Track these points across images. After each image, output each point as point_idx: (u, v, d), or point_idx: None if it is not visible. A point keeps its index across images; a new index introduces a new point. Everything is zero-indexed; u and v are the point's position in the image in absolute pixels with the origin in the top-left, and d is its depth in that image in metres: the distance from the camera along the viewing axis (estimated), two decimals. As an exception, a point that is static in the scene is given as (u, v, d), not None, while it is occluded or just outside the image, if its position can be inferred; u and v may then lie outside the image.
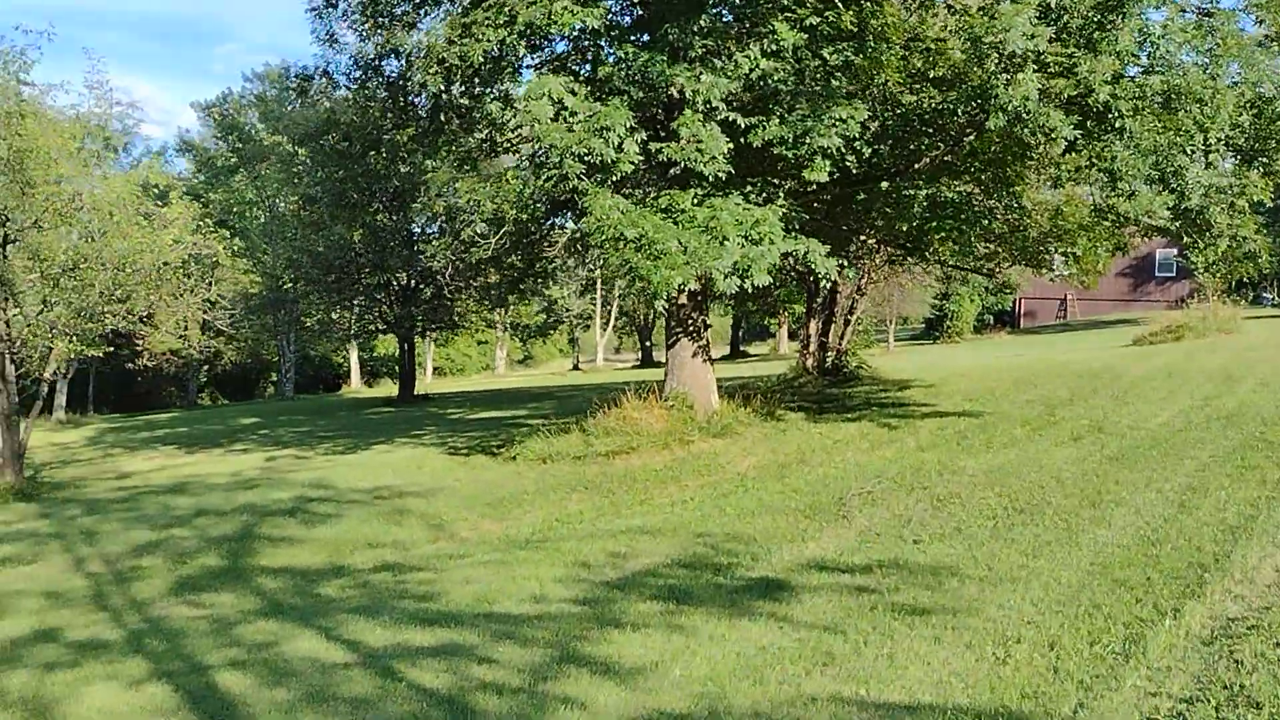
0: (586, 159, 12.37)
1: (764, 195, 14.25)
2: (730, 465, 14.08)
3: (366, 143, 16.54)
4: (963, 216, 13.89)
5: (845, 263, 14.99)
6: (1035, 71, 11.78)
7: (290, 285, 34.76)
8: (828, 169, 13.69)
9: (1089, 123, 12.48)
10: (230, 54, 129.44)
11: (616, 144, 12.43)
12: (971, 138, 14.48)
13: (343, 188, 16.73)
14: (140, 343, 66.15)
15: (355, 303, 35.19)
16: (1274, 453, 11.18)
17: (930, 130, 14.69)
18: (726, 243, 12.87)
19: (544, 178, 12.94)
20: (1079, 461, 12.01)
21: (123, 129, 41.93)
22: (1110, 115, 11.96)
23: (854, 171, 14.69)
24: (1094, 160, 12.75)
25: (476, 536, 11.74)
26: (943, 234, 13.84)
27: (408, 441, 20.27)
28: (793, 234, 14.16)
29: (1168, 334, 27.39)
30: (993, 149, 14.93)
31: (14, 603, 9.55)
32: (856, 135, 13.20)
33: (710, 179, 13.20)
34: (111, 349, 45.09)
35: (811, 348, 23.97)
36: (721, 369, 42.19)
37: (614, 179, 13.10)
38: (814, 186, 14.98)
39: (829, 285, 23.62)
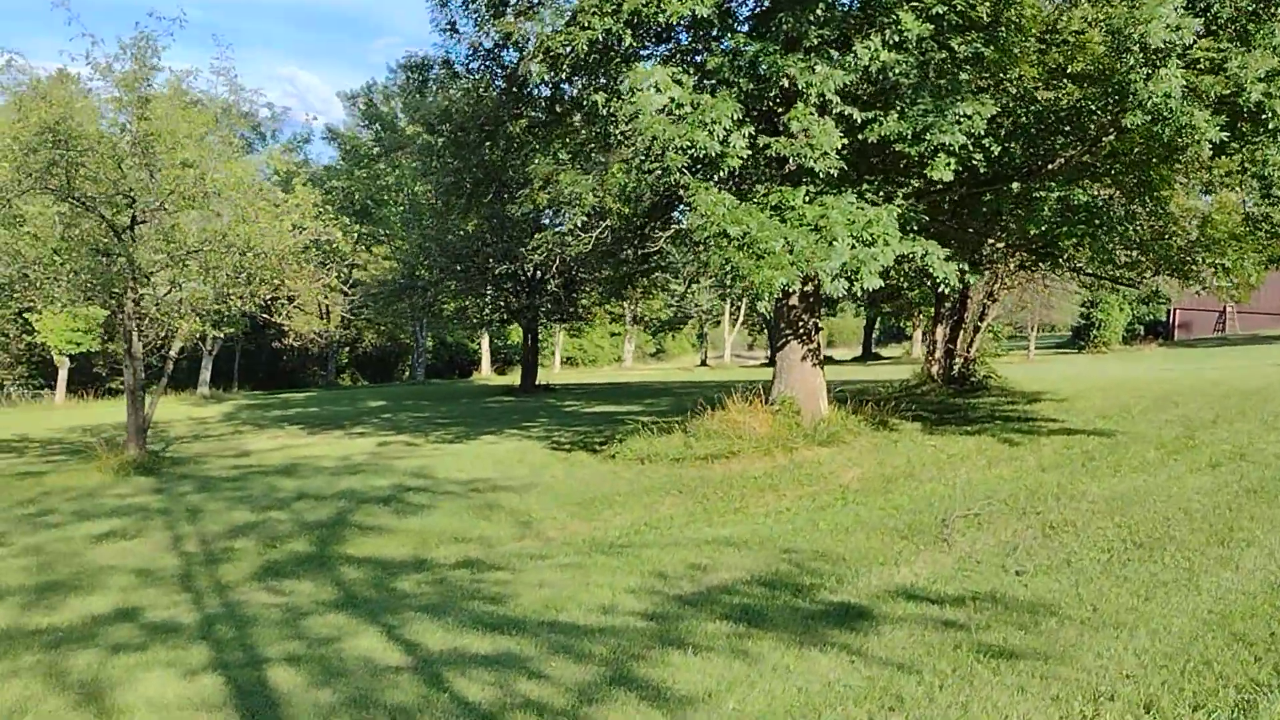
0: (690, 152, 11.96)
1: (882, 194, 13.57)
2: (833, 476, 13.49)
3: (482, 133, 16.51)
4: (1097, 221, 12.90)
5: (966, 268, 14.15)
6: (1181, 67, 10.79)
7: (424, 273, 35.44)
8: (953, 168, 12.95)
9: (1240, 124, 11.38)
10: (388, 46, 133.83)
11: (722, 137, 11.99)
12: (1111, 137, 13.46)
13: (459, 178, 16.80)
14: (287, 323, 69.26)
15: (485, 291, 35.62)
16: None
17: (1067, 129, 13.73)
18: (835, 243, 12.27)
19: (648, 170, 12.60)
20: (1213, 492, 10.99)
21: (269, 114, 43.70)
22: (1264, 115, 10.86)
23: (982, 171, 13.86)
24: (1246, 165, 11.62)
25: (562, 537, 11.51)
26: (1074, 239, 12.88)
27: (516, 433, 20.28)
28: (911, 235, 13.45)
29: (1336, 353, 25.23)
30: (1135, 150, 13.87)
31: (105, 579, 9.79)
32: (982, 132, 12.41)
33: (822, 176, 12.62)
34: (251, 328, 47.15)
35: (937, 354, 23.02)
36: (850, 371, 41.27)
37: (721, 174, 12.66)
38: (938, 186, 14.20)
39: (959, 290, 22.65)
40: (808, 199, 13.02)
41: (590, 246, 15.35)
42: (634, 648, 7.09)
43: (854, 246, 12.45)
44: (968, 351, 22.58)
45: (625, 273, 17.23)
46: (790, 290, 12.09)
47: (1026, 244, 15.46)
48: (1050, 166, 14.02)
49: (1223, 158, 12.51)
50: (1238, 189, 12.85)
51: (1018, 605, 7.70)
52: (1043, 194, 13.33)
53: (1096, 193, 14.57)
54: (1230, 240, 14.28)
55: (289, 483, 14.97)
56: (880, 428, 16.16)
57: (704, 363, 66.34)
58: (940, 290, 22.97)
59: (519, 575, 9.73)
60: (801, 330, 15.80)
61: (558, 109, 16.37)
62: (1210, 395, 19.20)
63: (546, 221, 26.59)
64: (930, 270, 13.30)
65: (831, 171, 12.52)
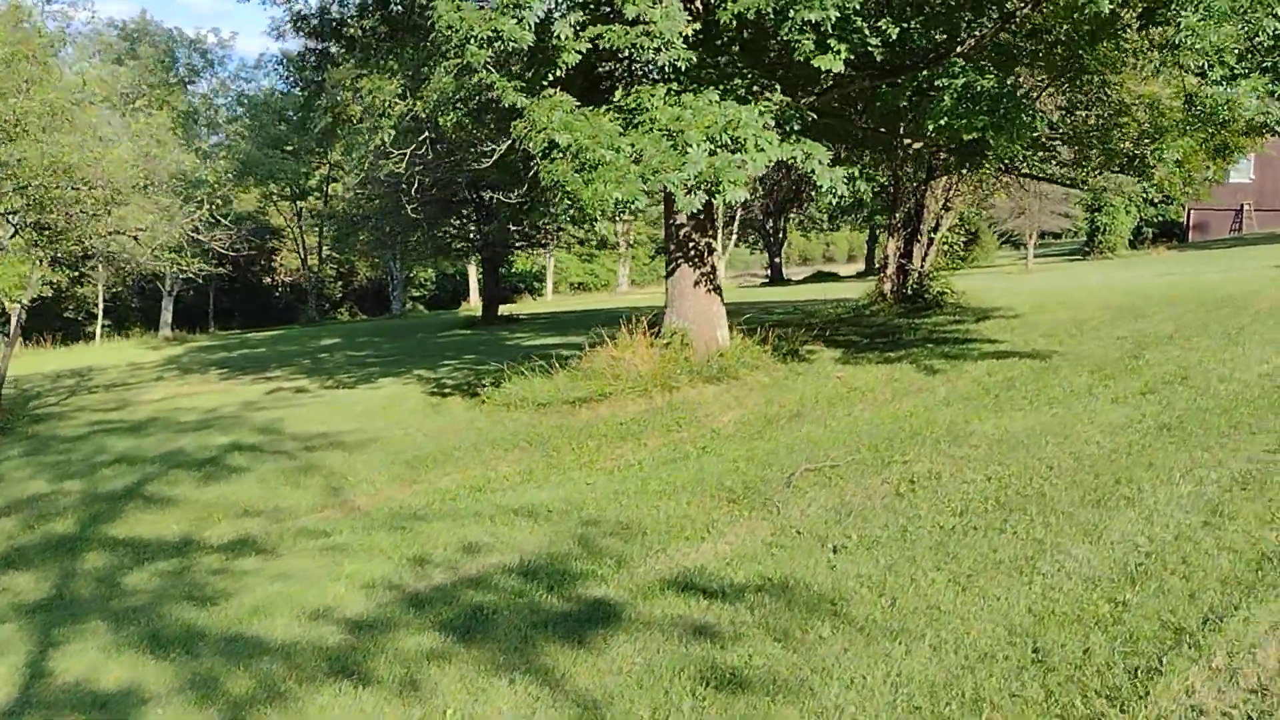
0: (497, 45, 10.09)
1: (755, 91, 11.65)
2: (709, 419, 11.83)
3: (340, 43, 14.62)
4: (1001, 112, 10.92)
5: (859, 173, 12.24)
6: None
7: (374, 203, 33.70)
8: (843, 56, 11.00)
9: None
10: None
11: (534, 26, 10.09)
12: (1026, 9, 11.42)
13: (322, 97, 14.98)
14: (276, 260, 67.68)
15: (445, 221, 33.82)
16: (1390, 428, 8.18)
17: (974, 3, 11.68)
18: (690, 150, 10.43)
19: (453, 74, 10.73)
20: (1123, 429, 9.22)
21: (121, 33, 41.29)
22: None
23: (878, 59, 11.88)
24: (1172, 39, 9.61)
25: (371, 505, 9.99)
26: (976, 132, 10.94)
27: (422, 374, 18.72)
28: (792, 138, 11.56)
29: (1335, 252, 23.06)
30: (1061, 28, 11.81)
31: None
32: (858, 7, 10.45)
33: (669, 71, 10.73)
34: (235, 266, 45.21)
35: (889, 270, 21.10)
36: (821, 289, 39.15)
37: (558, 73, 10.79)
38: (830, 80, 12.24)
39: (914, 199, 20.69)
40: (668, 100, 11.13)
41: (403, 166, 13.47)
42: (286, 681, 5.56)
43: (714, 153, 10.59)
44: (922, 266, 20.63)
45: (526, 198, 15.41)
46: (627, 207, 10.22)
47: (948, 143, 13.47)
48: (960, 49, 12.00)
49: (1152, 28, 10.45)
50: (1175, 68, 10.76)
51: (806, 599, 6.09)
52: (945, 81, 11.36)
53: (1019, 80, 12.55)
54: (1175, 130, 12.20)
55: (123, 443, 13.54)
56: (789, 359, 14.42)
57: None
58: (894, 198, 21.05)
59: (272, 562, 8.23)
60: (693, 252, 13.97)
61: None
62: (1182, 305, 17.26)
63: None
64: (814, 177, 11.42)
65: (678, 65, 10.61)
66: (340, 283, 70.28)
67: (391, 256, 45.37)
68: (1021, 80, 12.96)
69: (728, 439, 10.95)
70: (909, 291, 20.72)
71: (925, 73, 12.06)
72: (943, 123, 11.21)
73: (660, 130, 10.72)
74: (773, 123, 11.38)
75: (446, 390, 15.43)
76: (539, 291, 65.61)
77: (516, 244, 34.94)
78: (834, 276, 56.60)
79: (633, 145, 10.59)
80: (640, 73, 12.30)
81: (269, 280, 68.42)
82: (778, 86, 11.78)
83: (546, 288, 62.82)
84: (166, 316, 40.66)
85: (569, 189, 10.03)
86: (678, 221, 13.84)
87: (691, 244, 13.97)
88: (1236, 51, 9.03)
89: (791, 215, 64.64)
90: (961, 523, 7.24)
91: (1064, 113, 13.78)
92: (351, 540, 8.57)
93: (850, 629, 5.58)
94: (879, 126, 13.91)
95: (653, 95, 11.17)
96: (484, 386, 14.22)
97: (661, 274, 17.28)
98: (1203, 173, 13.43)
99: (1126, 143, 13.77)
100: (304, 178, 47.54)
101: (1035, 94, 13.69)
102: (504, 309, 43.49)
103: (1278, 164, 51.01)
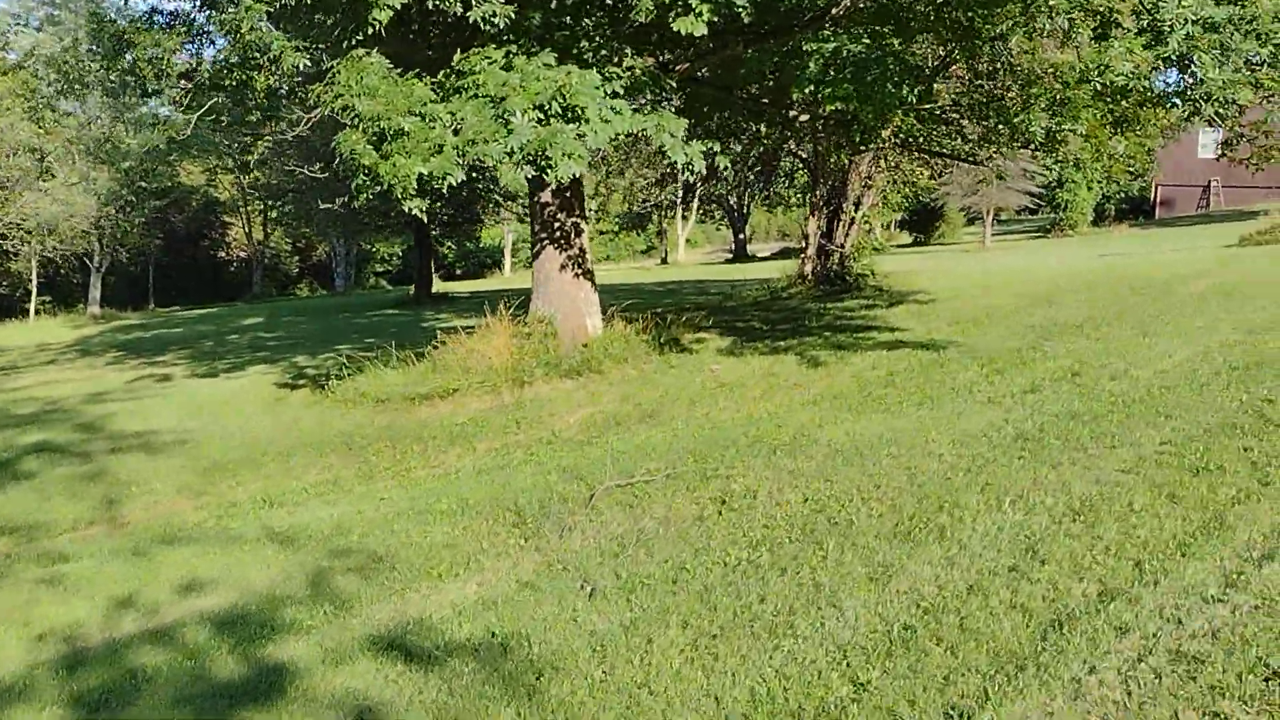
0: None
1: (604, 55, 10.46)
2: (554, 419, 10.71)
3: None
4: (869, 79, 9.74)
5: (719, 147, 11.06)
6: None
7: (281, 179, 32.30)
8: (705, 18, 9.82)
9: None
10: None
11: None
12: (903, -34, 10.26)
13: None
14: (229, 235, 65.93)
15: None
16: (1264, 436, 7.08)
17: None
18: (514, 120, 9.24)
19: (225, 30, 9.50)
20: (979, 438, 8.14)
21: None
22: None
23: (747, 22, 10.69)
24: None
25: (140, 521, 8.84)
26: (840, 100, 9.78)
27: (302, 360, 17.53)
28: (645, 108, 10.39)
29: (1281, 231, 22.10)
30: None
31: None
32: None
33: (488, 29, 9.52)
34: (184, 239, 43.58)
35: (810, 251, 19.97)
36: (739, 270, 37.93)
37: (370, 31, 9.56)
38: (691, 46, 11.06)
39: (835, 176, 19.55)
40: (504, 64, 9.91)
41: (190, 129, 12.18)
42: None
43: (543, 123, 9.40)
44: (843, 246, 19.49)
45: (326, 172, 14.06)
46: (441, 183, 9.00)
47: (832, 114, 12.26)
48: (835, 11, 10.81)
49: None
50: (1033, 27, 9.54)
51: (515, 667, 5.01)
52: (815, 46, 10.19)
53: (908, 47, 11.35)
54: (1079, 100, 11.04)
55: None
56: (668, 349, 13.28)
57: (664, 261, 63.24)
58: (815, 175, 19.90)
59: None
60: (559, 232, 12.78)
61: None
62: (1105, 290, 16.22)
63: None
64: (668, 153, 10.25)
65: (495, 22, 9.40)
66: (297, 257, 68.76)
67: (321, 231, 43.88)
68: (919, 49, 11.79)
69: (563, 444, 9.83)
70: (830, 273, 19.60)
71: (798, 37, 10.89)
72: (808, 90, 10.03)
73: (486, 97, 9.52)
74: (621, 91, 10.19)
75: (301, 382, 14.23)
76: (495, 269, 64.27)
77: (442, 218, 33.59)
78: (800, 252, 55.42)
79: (453, 114, 9.40)
80: (492, 34, 11.07)
81: (223, 255, 66.94)
82: (629, 51, 10.57)
83: (505, 263, 61.51)
84: (95, 294, 39.16)
85: (364, 163, 8.83)
86: (541, 199, 12.67)
87: (557, 224, 12.79)
88: (1100, 11, 7.87)
89: (758, 191, 63.41)
90: (748, 558, 6.15)
91: (966, 84, 12.62)
92: (80, 570, 7.42)
93: (537, 715, 4.48)
94: (762, 97, 12.72)
95: (488, 59, 9.96)
96: (330, 380, 13.05)
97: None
98: (1109, 149, 12.29)
99: (1034, 114, 12.61)
100: (243, 150, 45.92)
101: (935, 63, 12.55)
102: (447, 286, 42.19)
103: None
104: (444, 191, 9.49)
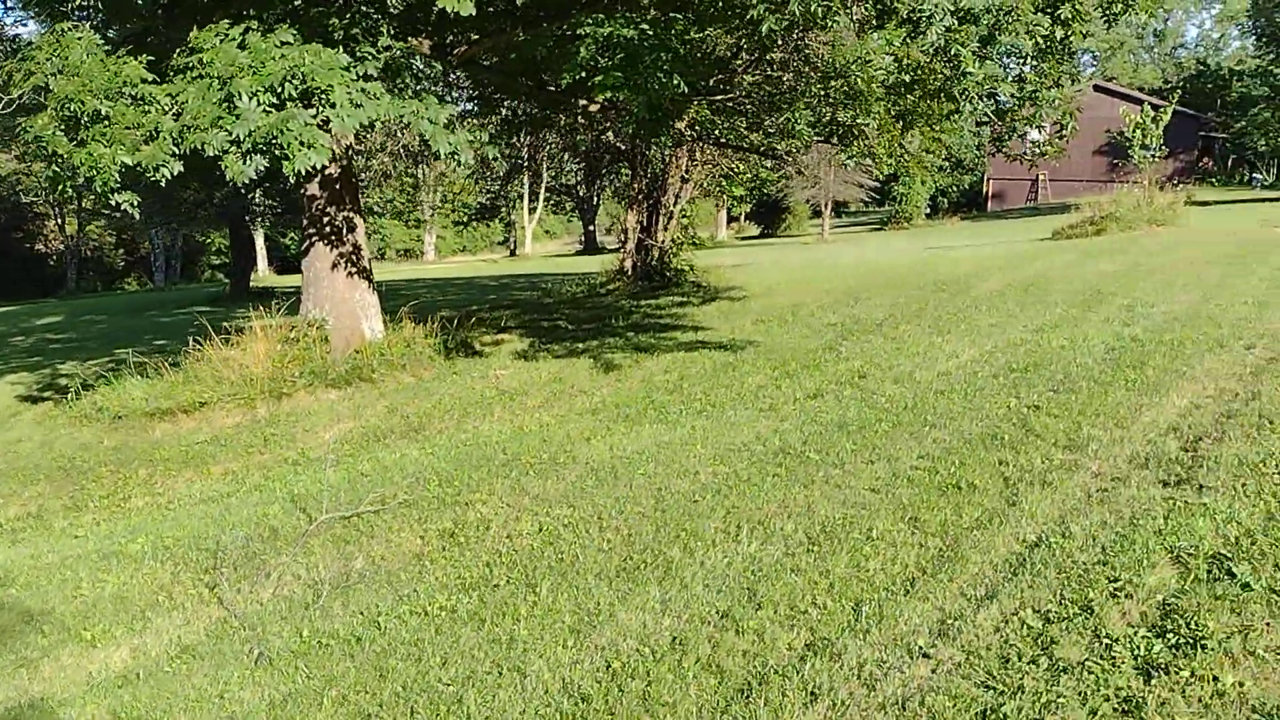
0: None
1: (355, 33, 9.52)
2: (308, 436, 9.75)
3: None
4: (641, 68, 9.10)
5: (490, 138, 10.28)
6: None
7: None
8: (474, -5, 8.96)
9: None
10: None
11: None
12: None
13: None
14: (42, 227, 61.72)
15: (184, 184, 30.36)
16: (1022, 448, 6.71)
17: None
18: (240, 104, 8.22)
19: None
20: (740, 452, 7.59)
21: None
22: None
23: (519, 2, 9.91)
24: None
25: None
26: (610, 89, 9.13)
27: (65, 367, 15.92)
28: (405, 92, 9.49)
29: (1089, 226, 22.66)
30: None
31: None
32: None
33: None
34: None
35: (629, 245, 19.38)
36: (571, 264, 37.37)
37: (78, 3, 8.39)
38: (472, 28, 10.22)
39: (657, 167, 18.99)
40: (238, 42, 8.85)
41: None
42: None
43: (277, 107, 8.41)
44: (662, 241, 18.96)
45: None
46: (150, 175, 7.97)
47: (607, 105, 11.59)
48: (614, -7, 10.16)
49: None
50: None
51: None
52: (589, 30, 9.51)
53: (694, 33, 10.77)
54: (871, 93, 10.65)
55: None
56: (457, 353, 12.43)
57: (513, 253, 62.20)
58: (635, 167, 19.31)
59: None
60: (329, 228, 11.77)
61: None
62: (913, 286, 16.11)
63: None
64: (430, 142, 9.38)
65: (213, -7, 8.40)
66: (122, 250, 64.93)
67: (132, 222, 41.21)
68: (709, 37, 11.22)
69: (308, 466, 8.89)
70: (650, 269, 19.06)
71: (574, 19, 10.17)
72: (578, 78, 9.32)
73: (213, 79, 8.47)
74: (376, 73, 9.27)
75: (47, 394, 12.79)
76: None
77: (257, 210, 31.78)
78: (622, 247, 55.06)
79: (172, 97, 8.33)
80: (234, 11, 9.96)
81: (40, 248, 62.64)
82: (386, 30, 9.65)
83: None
84: None
85: (58, 150, 7.69)
86: (309, 192, 11.62)
87: (327, 219, 11.77)
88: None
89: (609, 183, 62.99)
90: (452, 606, 5.40)
91: (762, 76, 12.14)
92: None
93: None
94: (548, 84, 11.95)
95: (221, 35, 8.89)
96: (72, 393, 11.71)
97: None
98: (896, 137, 11.96)
99: (798, 110, 12.21)
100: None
101: (727, 52, 12.03)
102: (279, 280, 40.23)
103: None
104: (239, 184, 8.45)
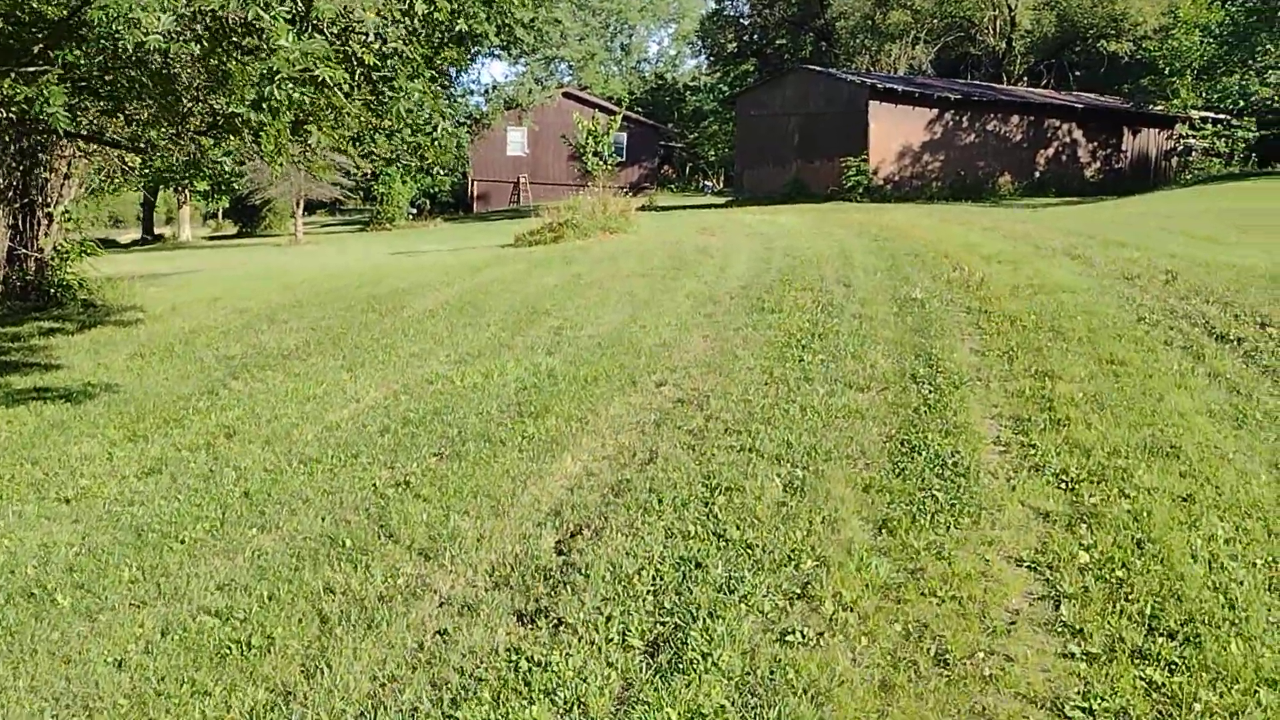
0: None
1: None
2: None
3: None
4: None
5: None
6: None
7: None
8: None
9: None
10: None
11: None
12: None
13: None
14: None
15: None
16: (360, 562, 4.98)
17: None
18: None
19: None
20: (39, 556, 5.09)
21: None
22: None
23: None
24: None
25: None
26: None
27: None
28: None
29: (549, 232, 22.24)
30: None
31: None
32: None
33: None
34: None
35: (-3, 255, 15.33)
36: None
37: None
38: None
39: (24, 161, 15.10)
40: None
41: None
42: None
43: None
44: (40, 253, 15.19)
45: None
46: None
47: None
48: None
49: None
50: None
51: None
52: None
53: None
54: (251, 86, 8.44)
55: None
56: None
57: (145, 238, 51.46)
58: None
59: None
60: None
61: None
62: (345, 301, 14.17)
63: None
64: None
65: None
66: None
67: None
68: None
69: None
70: (25, 284, 15.22)
71: None
72: None
73: None
74: None
75: None
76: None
77: None
78: (115, 244, 47.33)
79: None
80: None
81: None
82: None
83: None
84: None
85: None
86: None
87: None
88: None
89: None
90: None
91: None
92: None
93: None
94: None
95: None
96: None
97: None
98: (288, 141, 9.97)
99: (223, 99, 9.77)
100: None
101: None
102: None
103: (544, 140, 53.62)
104: None
